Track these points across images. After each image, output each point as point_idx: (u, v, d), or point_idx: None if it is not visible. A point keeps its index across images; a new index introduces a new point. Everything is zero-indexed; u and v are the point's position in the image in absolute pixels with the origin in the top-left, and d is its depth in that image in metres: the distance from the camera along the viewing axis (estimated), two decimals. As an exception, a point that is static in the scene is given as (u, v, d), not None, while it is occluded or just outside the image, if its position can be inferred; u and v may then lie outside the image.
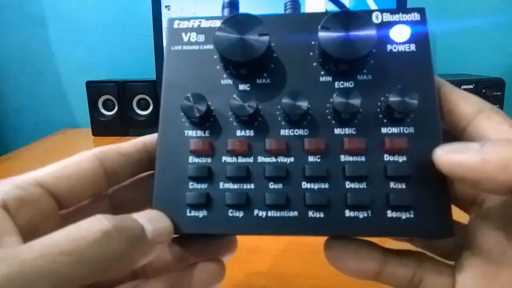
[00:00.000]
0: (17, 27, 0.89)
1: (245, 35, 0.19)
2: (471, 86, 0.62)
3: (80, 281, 0.13)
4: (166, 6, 0.69)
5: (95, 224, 0.14)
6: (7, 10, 0.88)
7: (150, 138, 0.21)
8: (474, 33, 0.78)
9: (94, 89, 0.76)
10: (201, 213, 0.19)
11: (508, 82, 0.63)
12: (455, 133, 0.20)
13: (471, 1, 0.78)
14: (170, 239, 0.18)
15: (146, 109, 0.76)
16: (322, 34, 0.19)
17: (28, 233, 0.15)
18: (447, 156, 0.17)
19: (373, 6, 0.61)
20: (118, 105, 0.76)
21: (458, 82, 0.60)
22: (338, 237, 0.20)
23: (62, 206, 0.18)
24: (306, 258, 0.33)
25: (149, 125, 0.76)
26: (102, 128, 0.77)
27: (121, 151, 0.20)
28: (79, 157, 0.19)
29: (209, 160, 0.20)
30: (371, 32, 0.19)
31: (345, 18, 0.19)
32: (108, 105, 0.77)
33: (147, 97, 0.75)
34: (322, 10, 0.54)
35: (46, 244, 0.13)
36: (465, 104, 0.19)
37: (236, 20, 0.20)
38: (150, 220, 0.17)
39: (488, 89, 0.62)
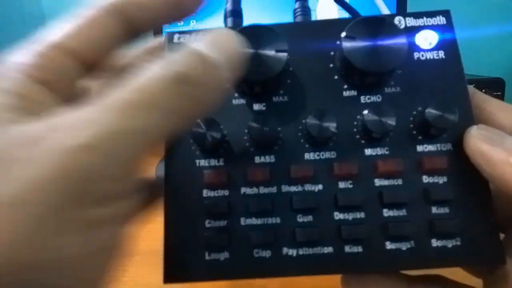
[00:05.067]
0: (17, 27, 0.89)
1: (260, 50, 0.17)
2: (471, 86, 0.62)
3: (163, 135, 0.13)
4: (166, 6, 0.69)
5: (161, 72, 0.13)
6: (7, 10, 0.88)
7: None
8: (474, 33, 0.78)
9: (94, 89, 0.75)
10: (222, 256, 0.17)
11: (508, 82, 0.63)
12: None
13: (471, 2, 0.78)
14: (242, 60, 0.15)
15: (146, 109, 0.76)
16: (347, 45, 0.17)
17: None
18: (478, 142, 0.16)
19: (382, 6, 0.60)
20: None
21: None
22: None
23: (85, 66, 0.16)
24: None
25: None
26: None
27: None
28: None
29: (226, 192, 0.18)
30: (401, 41, 0.17)
31: (371, 25, 0.17)
32: (108, 106, 0.77)
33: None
34: (334, 16, 0.51)
35: (116, 101, 0.12)
36: (504, 115, 0.17)
37: (249, 32, 0.17)
38: (214, 45, 0.14)
39: (488, 89, 0.62)
